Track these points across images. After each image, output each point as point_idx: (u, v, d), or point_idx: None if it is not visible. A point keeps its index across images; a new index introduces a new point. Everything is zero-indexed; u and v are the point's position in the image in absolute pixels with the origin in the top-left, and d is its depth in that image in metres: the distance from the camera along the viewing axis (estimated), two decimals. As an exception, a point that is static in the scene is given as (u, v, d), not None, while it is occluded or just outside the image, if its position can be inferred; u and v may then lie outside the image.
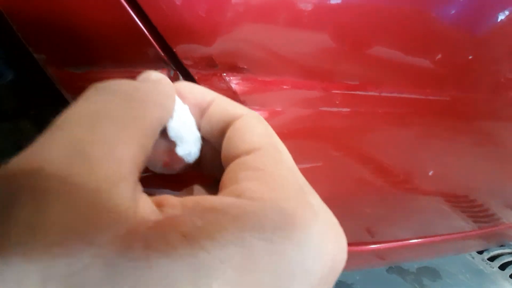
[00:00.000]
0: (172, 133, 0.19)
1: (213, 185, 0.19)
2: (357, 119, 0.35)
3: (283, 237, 0.13)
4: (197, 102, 0.20)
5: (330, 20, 0.28)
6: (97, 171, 0.12)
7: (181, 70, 0.27)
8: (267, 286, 0.12)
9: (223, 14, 0.25)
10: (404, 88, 0.35)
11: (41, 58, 0.26)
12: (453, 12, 0.32)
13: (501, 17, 0.34)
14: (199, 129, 0.21)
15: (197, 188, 0.20)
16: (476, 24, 0.34)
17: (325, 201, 0.16)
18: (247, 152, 0.17)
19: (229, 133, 0.19)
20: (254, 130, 0.18)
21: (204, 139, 0.21)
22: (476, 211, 0.58)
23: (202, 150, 0.21)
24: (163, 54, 0.26)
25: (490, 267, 1.03)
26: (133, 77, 0.27)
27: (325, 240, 0.14)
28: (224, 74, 0.28)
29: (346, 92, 0.33)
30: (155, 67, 0.27)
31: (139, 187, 0.14)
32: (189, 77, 0.27)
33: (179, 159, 0.20)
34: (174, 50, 0.26)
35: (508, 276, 1.01)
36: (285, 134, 0.31)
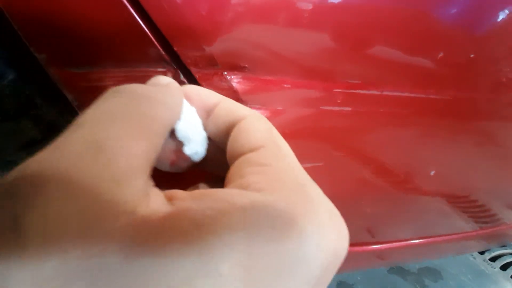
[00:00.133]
0: (180, 134, 0.20)
1: (218, 182, 0.20)
2: (359, 118, 0.35)
3: (287, 225, 0.14)
4: (204, 104, 0.21)
5: (331, 19, 0.28)
6: (113, 164, 0.13)
7: (182, 69, 0.27)
8: (273, 270, 0.13)
9: (224, 14, 0.25)
10: (405, 88, 0.35)
11: (42, 58, 0.26)
12: (454, 11, 0.32)
13: (502, 16, 0.34)
14: (205, 129, 0.21)
15: (202, 185, 0.21)
16: (477, 23, 0.34)
17: (326, 200, 0.17)
18: (251, 150, 0.18)
19: (234, 133, 0.20)
20: (258, 130, 0.19)
21: (209, 138, 0.22)
22: (477, 211, 0.58)
23: (207, 149, 0.22)
24: (164, 54, 0.26)
25: (492, 267, 1.03)
26: (134, 76, 0.27)
27: (326, 229, 0.15)
28: (225, 73, 0.28)
29: (347, 91, 0.33)
30: (156, 66, 0.27)
31: (151, 182, 0.15)
32: (190, 76, 0.27)
33: (186, 158, 0.21)
34: (175, 49, 0.26)
35: (510, 276, 1.01)
36: (286, 133, 0.30)
